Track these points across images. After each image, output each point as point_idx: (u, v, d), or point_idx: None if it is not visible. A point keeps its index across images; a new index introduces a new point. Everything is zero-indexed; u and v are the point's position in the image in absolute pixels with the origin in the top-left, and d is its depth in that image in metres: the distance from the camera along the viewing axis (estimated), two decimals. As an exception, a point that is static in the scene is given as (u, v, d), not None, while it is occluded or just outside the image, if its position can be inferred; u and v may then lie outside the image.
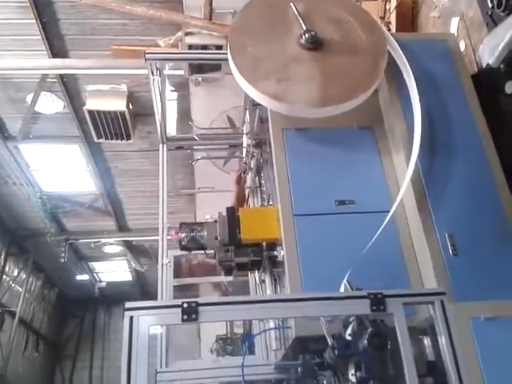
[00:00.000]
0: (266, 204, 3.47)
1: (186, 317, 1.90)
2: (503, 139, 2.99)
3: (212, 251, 3.11)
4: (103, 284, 12.58)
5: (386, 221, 2.61)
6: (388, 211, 2.83)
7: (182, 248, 3.08)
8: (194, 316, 1.91)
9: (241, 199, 4.13)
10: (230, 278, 4.20)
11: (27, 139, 7.75)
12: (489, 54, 3.13)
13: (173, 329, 5.10)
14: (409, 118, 2.92)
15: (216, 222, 3.03)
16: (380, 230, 2.53)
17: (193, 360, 4.11)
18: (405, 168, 2.78)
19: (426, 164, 2.81)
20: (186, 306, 1.92)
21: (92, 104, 6.66)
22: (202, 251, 3.12)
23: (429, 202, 2.72)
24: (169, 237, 3.66)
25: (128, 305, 1.90)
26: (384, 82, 3.09)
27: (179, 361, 3.20)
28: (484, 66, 3.24)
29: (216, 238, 2.99)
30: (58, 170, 8.68)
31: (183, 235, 3.05)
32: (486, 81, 3.22)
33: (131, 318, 1.87)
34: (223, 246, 2.98)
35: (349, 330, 2.11)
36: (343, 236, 2.79)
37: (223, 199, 4.30)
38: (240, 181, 4.15)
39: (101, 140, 7.27)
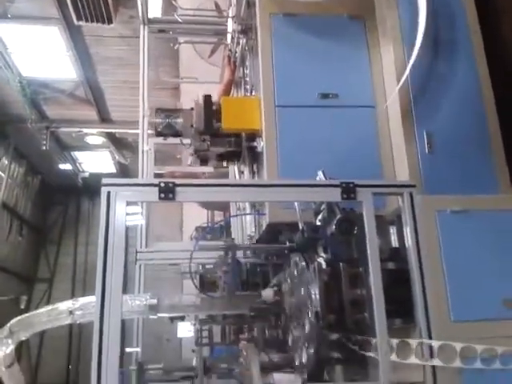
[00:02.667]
0: (249, 94, 3.42)
1: (162, 195, 1.94)
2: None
3: (188, 140, 3.09)
4: (86, 174, 12.64)
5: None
6: (371, 106, 2.82)
7: (158, 134, 3.06)
8: (170, 195, 1.95)
9: (229, 86, 4.01)
10: (210, 169, 4.24)
11: (5, 18, 7.33)
12: None
13: (155, 219, 5.24)
14: (402, 9, 2.81)
15: (192, 109, 2.98)
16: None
17: (172, 242, 4.26)
18: (392, 63, 2.73)
19: (415, 62, 2.75)
20: (163, 185, 1.95)
21: (71, -18, 6.23)
22: (178, 138, 3.09)
23: (412, 99, 2.70)
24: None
25: (105, 180, 1.92)
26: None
27: (158, 242, 3.33)
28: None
29: (192, 126, 2.95)
30: (38, 54, 8.33)
31: (158, 121, 3.00)
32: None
33: (108, 193, 1.90)
34: (199, 134, 2.96)
35: (319, 217, 2.20)
36: (324, 130, 2.80)
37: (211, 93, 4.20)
38: (230, 61, 3.96)
39: (81, 22, 6.91)
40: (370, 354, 1.97)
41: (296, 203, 2.26)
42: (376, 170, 2.72)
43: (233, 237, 3.57)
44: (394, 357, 1.88)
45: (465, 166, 2.62)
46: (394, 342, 1.89)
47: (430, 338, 1.91)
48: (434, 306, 1.95)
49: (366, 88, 2.87)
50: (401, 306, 1.98)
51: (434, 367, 1.88)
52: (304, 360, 2.14)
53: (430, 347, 1.88)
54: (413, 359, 1.89)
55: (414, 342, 1.90)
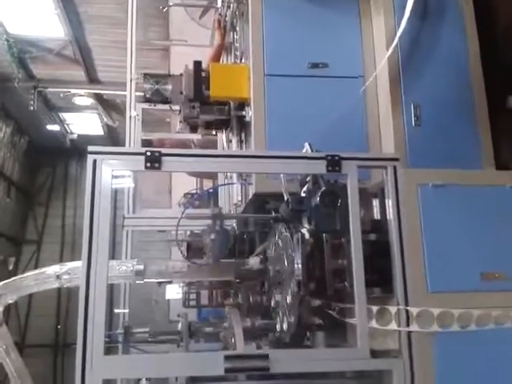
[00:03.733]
0: (238, 62, 3.38)
1: (149, 164, 1.95)
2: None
3: (177, 107, 3.06)
4: (74, 136, 12.51)
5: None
6: (361, 77, 2.82)
7: (146, 100, 3.02)
8: (156, 165, 1.96)
9: (219, 51, 3.94)
10: (199, 136, 4.22)
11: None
12: None
13: (144, 185, 5.24)
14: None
15: (182, 76, 2.94)
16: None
17: (159, 209, 4.29)
18: (383, 32, 2.71)
19: (405, 31, 2.73)
20: (149, 154, 1.95)
21: None
22: (167, 105, 3.06)
23: (400, 70, 2.70)
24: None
25: (91, 148, 1.92)
26: None
27: (146, 208, 3.34)
28: None
29: (181, 93, 2.92)
30: (25, 12, 8.09)
31: (147, 87, 2.97)
32: None
33: (94, 161, 1.90)
34: (188, 101, 2.93)
35: (304, 189, 2.23)
36: (313, 100, 2.80)
37: (199, 56, 4.13)
38: (220, 26, 3.88)
39: (69, -21, 6.68)
40: (350, 320, 2.04)
41: (282, 175, 2.28)
42: (362, 143, 2.73)
43: (220, 205, 3.59)
44: (373, 323, 1.95)
45: (450, 141, 2.64)
46: (374, 308, 1.96)
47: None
48: (412, 277, 2.00)
49: (356, 58, 2.86)
50: (380, 276, 2.04)
51: (409, 334, 1.95)
52: (286, 326, 2.21)
53: (408, 313, 1.95)
54: (392, 325, 1.96)
55: (393, 309, 1.97)
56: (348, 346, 2.17)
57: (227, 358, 1.81)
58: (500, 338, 2.01)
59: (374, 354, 1.92)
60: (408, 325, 1.95)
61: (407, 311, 1.96)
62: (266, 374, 1.87)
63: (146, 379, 2.78)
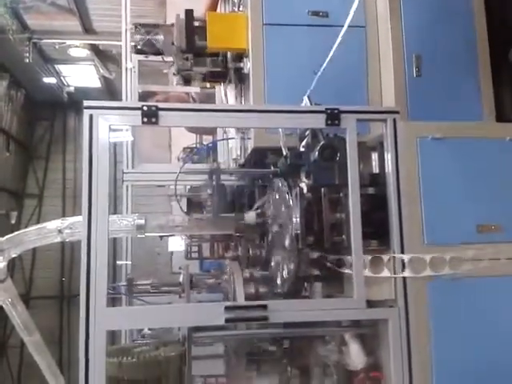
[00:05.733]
0: (236, 10, 3.27)
1: (145, 119, 1.93)
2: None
3: (170, 58, 2.96)
4: (71, 89, 12.29)
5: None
6: (362, 26, 2.75)
7: (138, 52, 2.93)
8: (154, 119, 1.94)
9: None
10: (197, 90, 4.15)
11: None
12: None
13: (142, 139, 5.21)
14: None
15: (173, 25, 2.84)
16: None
17: (159, 164, 4.28)
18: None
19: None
20: (146, 108, 1.93)
21: None
22: (159, 56, 2.96)
23: (403, 21, 2.63)
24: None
25: (87, 103, 1.89)
26: None
27: (145, 163, 3.33)
28: None
29: (173, 44, 2.83)
30: (14, -42, 7.79)
31: (138, 37, 2.88)
32: None
33: (91, 116, 1.88)
34: (181, 53, 2.84)
35: (303, 143, 2.22)
36: (313, 50, 2.72)
37: (196, 4, 3.99)
38: None
39: None
40: (346, 270, 2.08)
41: (281, 129, 2.27)
42: (363, 96, 2.69)
43: (219, 159, 3.58)
44: (367, 272, 2.00)
45: (451, 92, 2.60)
46: (367, 257, 2.00)
47: (403, 258, 2.01)
48: (409, 229, 2.03)
49: (358, 7, 2.76)
50: (378, 230, 2.07)
51: (404, 282, 1.99)
52: (284, 278, 2.26)
53: (401, 261, 1.98)
54: (385, 273, 2.00)
55: (385, 257, 2.01)
56: (345, 296, 2.22)
57: (227, 308, 1.86)
58: (492, 287, 2.06)
59: (370, 304, 1.97)
60: (401, 271, 1.98)
61: (400, 258, 1.98)
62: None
63: (149, 329, 2.87)
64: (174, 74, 3.04)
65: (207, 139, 5.29)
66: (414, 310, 1.99)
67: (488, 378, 2.03)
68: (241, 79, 3.07)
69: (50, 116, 13.56)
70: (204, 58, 2.91)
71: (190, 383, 2.09)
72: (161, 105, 1.96)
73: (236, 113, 2.15)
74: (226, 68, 2.97)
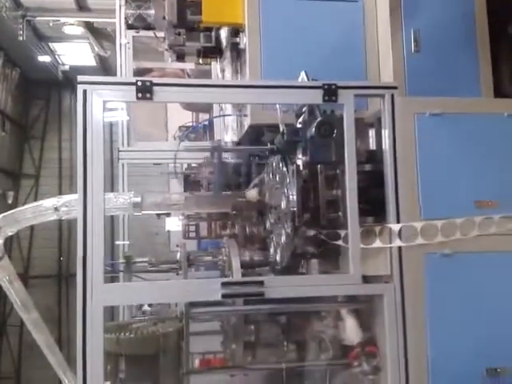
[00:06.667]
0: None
1: (140, 95, 1.91)
2: None
3: (162, 34, 2.90)
4: (66, 67, 12.16)
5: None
6: (360, 0, 2.70)
7: (129, 27, 2.89)
8: (148, 95, 1.92)
9: None
10: (191, 66, 4.09)
11: None
12: None
13: (138, 118, 5.15)
14: None
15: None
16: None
17: (155, 142, 4.25)
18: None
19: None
20: (140, 83, 1.91)
21: None
22: (151, 31, 2.91)
23: (402, -5, 2.59)
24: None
25: (81, 78, 1.87)
26: None
27: (141, 141, 3.31)
28: None
29: (164, 18, 2.78)
30: None
31: (129, 12, 2.82)
32: None
33: (85, 91, 1.86)
34: (173, 27, 2.78)
35: (300, 120, 2.20)
36: (309, 26, 2.69)
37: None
38: None
39: None
40: (342, 243, 2.08)
41: (278, 105, 2.24)
42: (361, 72, 2.66)
43: (216, 138, 3.56)
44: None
45: (450, 68, 2.58)
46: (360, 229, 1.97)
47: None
48: (406, 205, 2.03)
49: (356, -19, 2.72)
50: (374, 206, 2.06)
51: (400, 257, 2.00)
52: (281, 254, 2.27)
53: (391, 230, 1.98)
54: (377, 243, 2.00)
55: (377, 228, 2.01)
56: (340, 272, 2.23)
57: (224, 284, 1.87)
58: (487, 262, 2.07)
59: (367, 279, 1.98)
60: (393, 241, 1.97)
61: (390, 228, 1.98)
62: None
63: (149, 306, 2.89)
64: (166, 50, 2.98)
65: (204, 118, 5.25)
66: (410, 286, 1.99)
67: (484, 352, 2.05)
68: (237, 55, 3.02)
69: (46, 95, 13.45)
70: (197, 33, 2.85)
71: (187, 358, 2.11)
72: (155, 80, 1.94)
73: (232, 88, 2.13)
74: (219, 43, 2.91)
